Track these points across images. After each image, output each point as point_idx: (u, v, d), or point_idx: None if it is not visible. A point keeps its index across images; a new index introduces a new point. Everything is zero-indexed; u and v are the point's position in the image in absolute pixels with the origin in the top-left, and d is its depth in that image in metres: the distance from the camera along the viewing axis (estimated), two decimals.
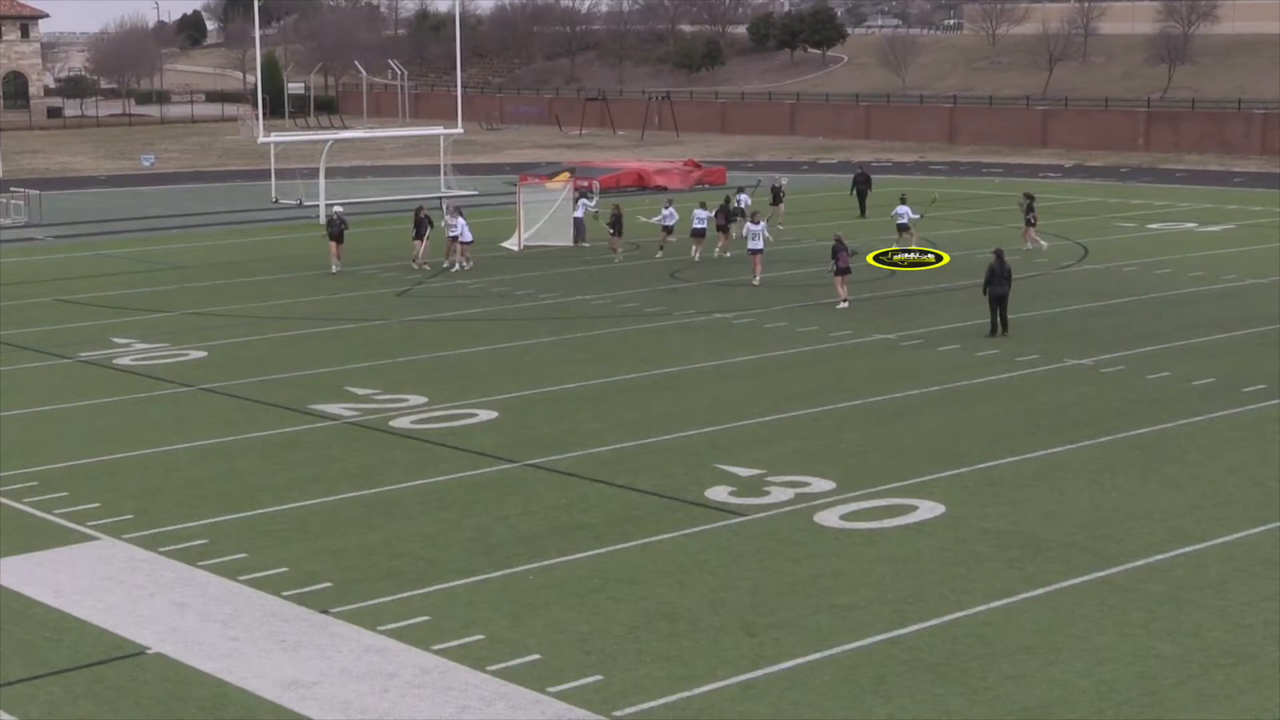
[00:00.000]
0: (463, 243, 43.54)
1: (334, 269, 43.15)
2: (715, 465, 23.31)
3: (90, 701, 15.24)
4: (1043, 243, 45.84)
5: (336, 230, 43.18)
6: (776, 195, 53.20)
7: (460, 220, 43.60)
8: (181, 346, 33.29)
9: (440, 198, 56.57)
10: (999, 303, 32.88)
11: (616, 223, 45.55)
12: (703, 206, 45.83)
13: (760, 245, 40.09)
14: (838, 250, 36.36)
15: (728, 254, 45.03)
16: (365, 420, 26.45)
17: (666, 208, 46.90)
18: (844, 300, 36.60)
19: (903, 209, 46.51)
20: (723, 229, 45.79)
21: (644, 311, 36.81)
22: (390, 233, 52.78)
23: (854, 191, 56.91)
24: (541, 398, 28.04)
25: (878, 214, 53.79)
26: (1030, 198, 46.90)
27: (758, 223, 40.56)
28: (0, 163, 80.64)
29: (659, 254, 45.16)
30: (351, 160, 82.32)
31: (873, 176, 59.20)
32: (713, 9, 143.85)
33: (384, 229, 54.53)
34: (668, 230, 45.90)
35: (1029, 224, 45.89)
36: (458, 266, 43.45)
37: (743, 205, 48.19)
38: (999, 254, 33.32)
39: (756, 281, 39.82)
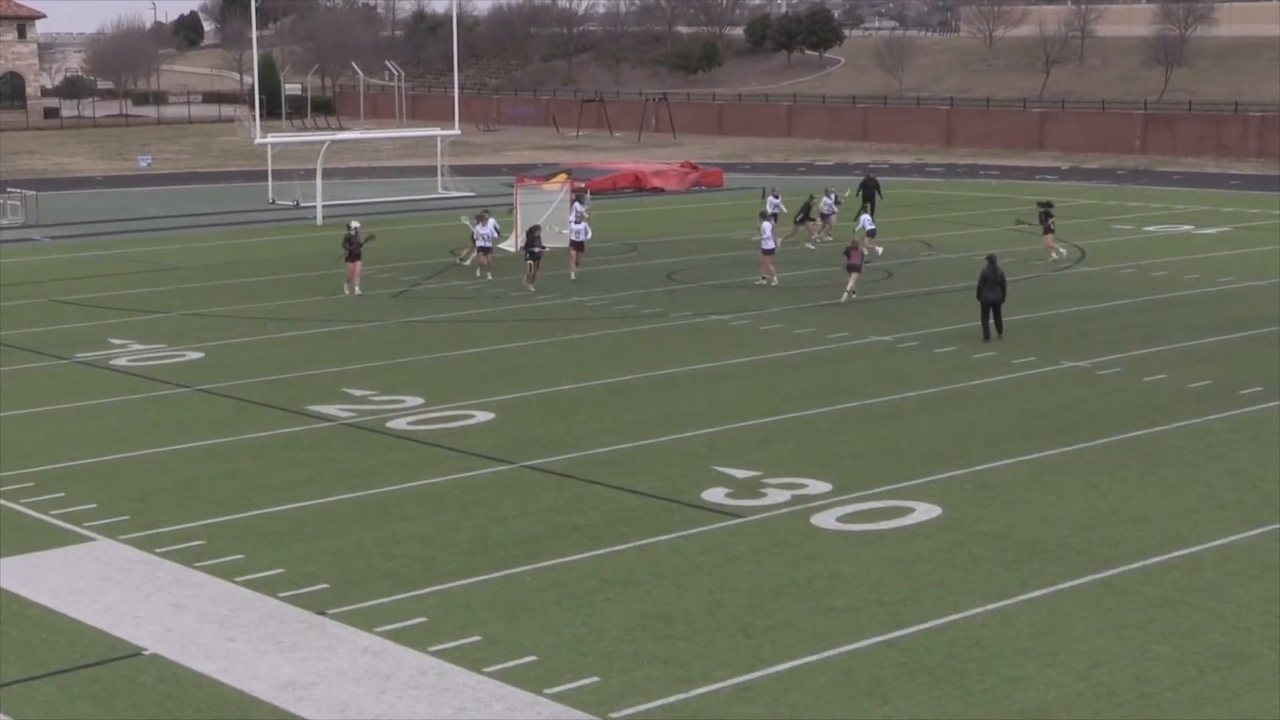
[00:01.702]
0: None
1: (356, 290, 39.42)
2: (712, 467, 23.31)
3: (87, 702, 15.23)
4: (1061, 250, 45.12)
5: (356, 249, 39.16)
6: (808, 208, 50.12)
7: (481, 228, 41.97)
8: (178, 347, 33.29)
9: (439, 198, 56.52)
10: (992, 309, 32.63)
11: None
12: (828, 194, 49.78)
13: (772, 246, 40.22)
14: (849, 250, 38.05)
15: (811, 242, 48.04)
16: (362, 421, 26.45)
17: (577, 222, 42.50)
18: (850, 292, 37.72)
19: (828, 200, 48.57)
20: (800, 222, 48.20)
21: (640, 313, 36.81)
22: (388, 234, 52.73)
23: (859, 194, 56.40)
24: (538, 399, 28.05)
25: (885, 215, 53.75)
26: (1047, 205, 45.82)
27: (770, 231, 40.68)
28: None
29: (530, 287, 39.97)
30: (349, 161, 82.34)
31: (880, 180, 58.79)
32: (710, 10, 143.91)
33: (381, 229, 54.47)
34: (535, 259, 40.21)
35: (1048, 230, 44.73)
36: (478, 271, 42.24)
37: (771, 210, 46.52)
38: (992, 260, 32.99)
39: (775, 282, 40.02)
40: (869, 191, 55.88)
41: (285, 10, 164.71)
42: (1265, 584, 18.14)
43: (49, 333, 35.18)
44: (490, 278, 41.54)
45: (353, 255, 39.25)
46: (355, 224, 40.70)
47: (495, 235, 42.40)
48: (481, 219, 42.12)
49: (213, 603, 17.81)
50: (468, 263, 43.47)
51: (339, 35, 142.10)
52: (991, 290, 32.49)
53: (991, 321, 32.78)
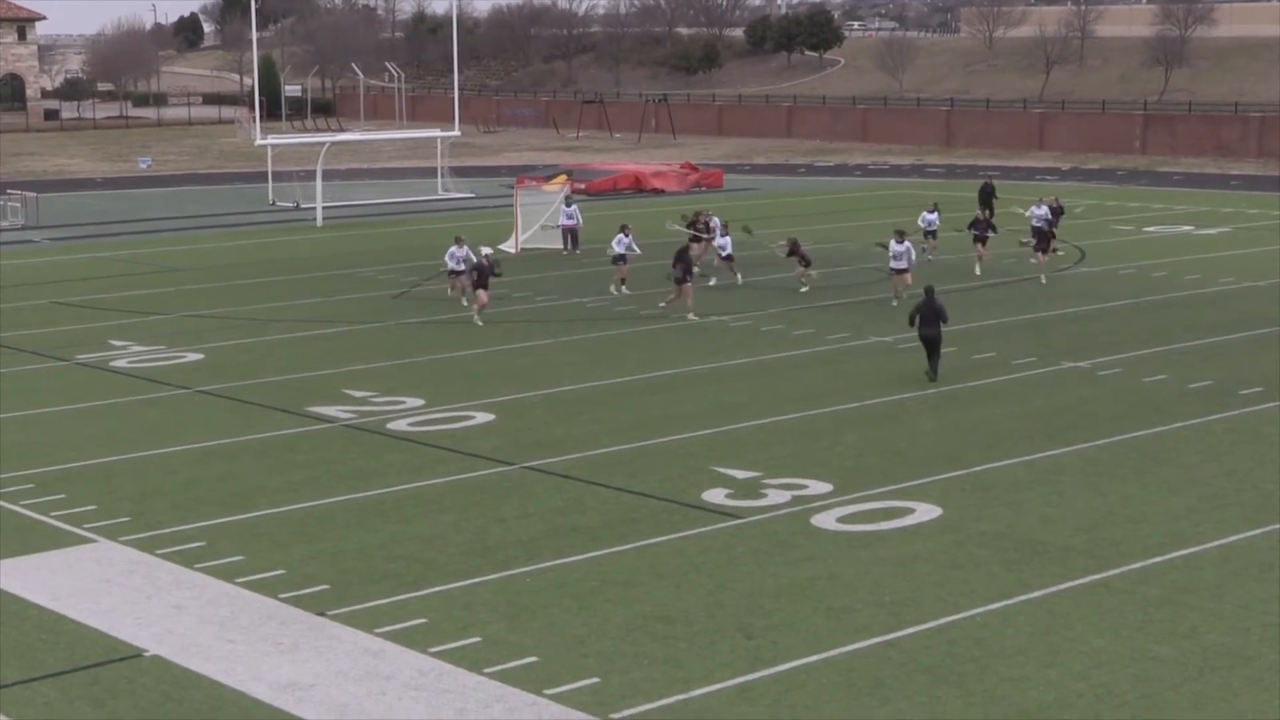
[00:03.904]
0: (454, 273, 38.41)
1: (478, 321, 35.46)
2: (712, 468, 23.32)
3: (87, 704, 15.23)
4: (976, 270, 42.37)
5: (485, 277, 35.58)
6: (1054, 217, 46.19)
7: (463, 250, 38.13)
8: (178, 349, 33.28)
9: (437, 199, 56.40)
10: (931, 344, 29.05)
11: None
12: (1039, 204, 45.29)
13: (904, 265, 36.81)
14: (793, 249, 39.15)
15: (1059, 252, 44.42)
16: (362, 423, 26.45)
17: (464, 249, 38.31)
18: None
19: (1040, 210, 44.62)
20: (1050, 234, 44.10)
21: (641, 314, 36.79)
22: (387, 234, 52.83)
23: (980, 201, 53.00)
24: (539, 400, 28.05)
25: (886, 215, 53.74)
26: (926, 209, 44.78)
27: (902, 242, 36.82)
28: None
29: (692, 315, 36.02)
30: (349, 163, 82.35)
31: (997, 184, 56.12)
32: (710, 11, 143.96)
33: (381, 231, 54.57)
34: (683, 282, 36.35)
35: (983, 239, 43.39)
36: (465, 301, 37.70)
37: (926, 227, 44.48)
38: (929, 291, 29.35)
39: (894, 304, 36.62)
40: (986, 196, 53.31)
41: (285, 12, 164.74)
42: (1265, 584, 18.14)
43: (49, 334, 35.19)
44: (451, 293, 38.44)
45: (481, 283, 35.46)
46: (487, 250, 37.11)
47: (471, 258, 37.50)
48: (458, 241, 38.43)
49: (213, 604, 17.82)
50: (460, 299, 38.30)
51: (339, 36, 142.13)
52: (929, 325, 28.90)
53: (933, 362, 29.15)
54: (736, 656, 16.16)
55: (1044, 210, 44.99)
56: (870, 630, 16.81)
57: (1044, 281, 40.35)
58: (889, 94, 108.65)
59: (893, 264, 37.04)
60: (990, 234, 42.54)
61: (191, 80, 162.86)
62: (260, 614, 17.48)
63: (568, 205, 47.83)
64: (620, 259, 39.96)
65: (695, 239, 42.24)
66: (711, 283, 40.19)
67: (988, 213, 48.14)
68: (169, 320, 36.96)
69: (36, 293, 41.33)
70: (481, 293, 35.55)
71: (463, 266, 37.91)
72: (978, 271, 41.94)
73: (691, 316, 35.76)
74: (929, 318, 28.90)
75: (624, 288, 39.62)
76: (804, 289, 39.27)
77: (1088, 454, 23.98)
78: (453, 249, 38.35)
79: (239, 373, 30.66)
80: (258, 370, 30.89)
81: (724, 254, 40.51)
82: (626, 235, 40.15)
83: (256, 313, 37.85)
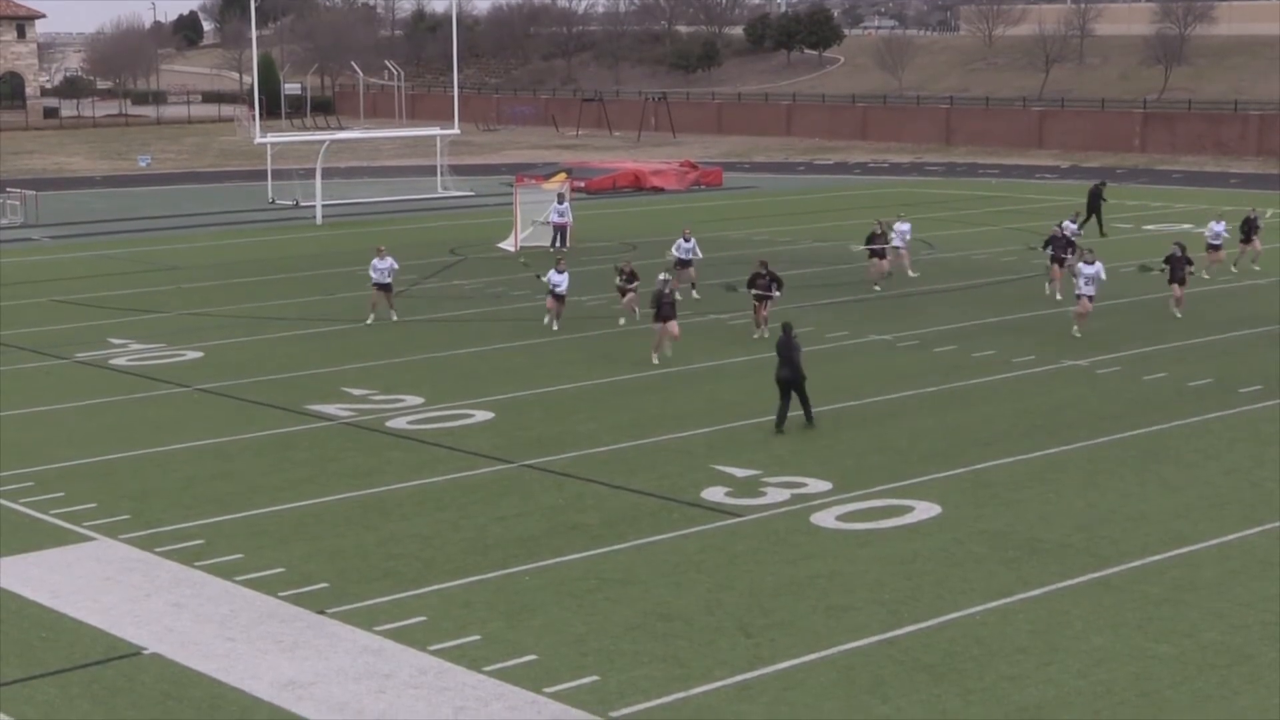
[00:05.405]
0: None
1: (657, 359, 30.96)
2: (712, 466, 23.32)
3: (87, 702, 15.24)
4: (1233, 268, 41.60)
5: (668, 308, 31.00)
6: (1249, 230, 43.17)
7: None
8: (178, 347, 33.28)
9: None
10: (790, 388, 25.49)
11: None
12: (1218, 220, 42.73)
13: (1091, 290, 32.94)
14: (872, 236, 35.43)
15: (1255, 265, 42.72)
16: (362, 421, 26.45)
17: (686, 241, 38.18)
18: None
19: (1219, 226, 42.04)
20: (1245, 241, 42.63)
21: (639, 312, 36.71)
22: (386, 233, 52.78)
23: (1088, 204, 51.17)
24: (538, 398, 28.05)
25: (883, 214, 53.58)
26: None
27: (1092, 263, 33.17)
28: None
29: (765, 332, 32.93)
30: (348, 161, 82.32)
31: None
32: (709, 10, 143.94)
33: (380, 229, 54.52)
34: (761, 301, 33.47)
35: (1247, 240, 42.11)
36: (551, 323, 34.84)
37: (1066, 231, 39.81)
38: (786, 329, 25.86)
39: (1077, 333, 33.06)
40: (1095, 201, 51.28)
41: (285, 9, 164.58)
42: (1264, 582, 18.15)
43: (49, 332, 35.18)
44: (371, 321, 35.44)
45: (662, 314, 30.84)
46: (663, 275, 32.73)
47: (395, 269, 35.63)
48: (379, 252, 35.57)
49: (212, 602, 17.82)
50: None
51: (338, 34, 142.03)
52: (785, 366, 25.46)
53: (787, 406, 25.55)
54: (736, 654, 16.16)
55: (1221, 226, 41.97)
56: (869, 628, 16.81)
57: (1179, 316, 35.17)
58: (888, 92, 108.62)
59: (1083, 287, 33.07)
60: (1068, 255, 38.10)
61: (191, 78, 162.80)
62: (260, 612, 17.48)
63: (560, 203, 47.80)
64: (683, 264, 38.53)
65: (878, 253, 39.62)
66: (621, 322, 35.12)
67: (1096, 217, 45.50)
68: (168, 318, 36.95)
69: (36, 291, 41.32)
70: (672, 324, 30.95)
71: (388, 279, 35.40)
72: (1047, 291, 38.52)
73: (763, 333, 32.76)
74: (785, 358, 25.49)
75: (693, 292, 38.12)
76: (622, 321, 35.14)
77: (1087, 452, 23.98)
78: (375, 260, 35.55)
79: (238, 371, 30.66)
80: (257, 368, 30.88)
81: (558, 290, 34.35)
82: (688, 240, 38.90)
83: (256, 311, 37.84)
